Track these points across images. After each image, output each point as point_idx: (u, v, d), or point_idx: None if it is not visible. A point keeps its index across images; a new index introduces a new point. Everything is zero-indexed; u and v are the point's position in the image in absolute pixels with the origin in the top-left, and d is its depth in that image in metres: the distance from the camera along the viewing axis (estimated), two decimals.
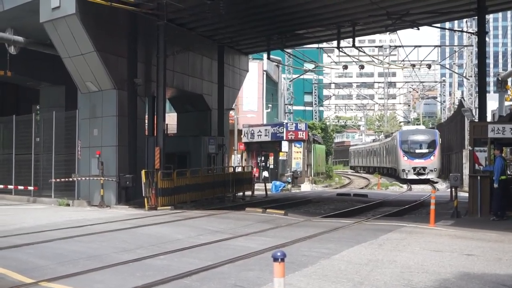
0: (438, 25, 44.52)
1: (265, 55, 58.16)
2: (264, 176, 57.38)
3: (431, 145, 68.30)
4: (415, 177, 66.80)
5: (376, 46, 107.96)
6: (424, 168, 67.12)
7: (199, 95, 41.94)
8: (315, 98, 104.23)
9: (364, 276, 12.41)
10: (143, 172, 29.98)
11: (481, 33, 32.43)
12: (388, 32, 44.19)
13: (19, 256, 15.11)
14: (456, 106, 70.14)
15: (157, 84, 32.53)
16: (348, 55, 49.79)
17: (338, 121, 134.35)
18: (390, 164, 79.60)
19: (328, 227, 21.35)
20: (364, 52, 48.96)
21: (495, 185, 24.41)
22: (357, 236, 18.78)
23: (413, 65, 62.09)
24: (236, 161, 62.25)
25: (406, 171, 67.60)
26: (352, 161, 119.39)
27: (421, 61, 63.75)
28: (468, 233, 20.06)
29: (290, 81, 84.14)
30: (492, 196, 24.89)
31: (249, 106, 70.01)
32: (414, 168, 67.30)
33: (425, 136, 69.83)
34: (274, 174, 59.84)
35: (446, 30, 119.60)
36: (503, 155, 26.26)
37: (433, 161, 67.55)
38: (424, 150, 67.94)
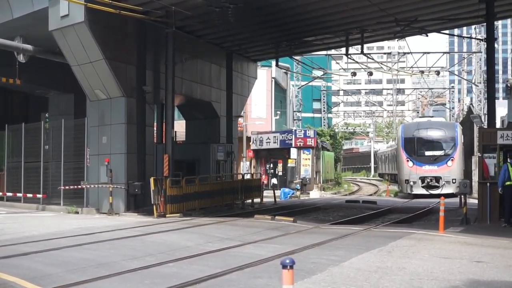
0: (447, 31, 44.47)
1: (273, 62, 58.21)
2: (272, 183, 57.37)
3: (449, 144, 49.40)
4: (424, 191, 48.25)
5: (384, 53, 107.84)
6: (437, 179, 48.12)
7: (208, 102, 41.94)
8: (323, 105, 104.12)
9: (374, 283, 12.38)
10: (152, 179, 29.97)
11: (490, 39, 32.35)
12: (396, 39, 44.18)
13: (28, 264, 15.13)
14: (465, 113, 69.95)
15: (165, 91, 32.53)
16: (357, 62, 49.71)
17: (347, 128, 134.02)
18: (393, 170, 65.42)
19: (337, 234, 21.32)
20: (373, 59, 48.97)
21: (499, 191, 24.54)
22: (366, 243, 18.74)
23: (422, 72, 62.08)
24: (245, 168, 62.24)
25: (411, 182, 48.49)
26: (381, 168, 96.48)
27: (430, 67, 63.60)
28: (477, 240, 20.01)
29: (298, 88, 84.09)
30: (503, 203, 24.89)
31: (257, 113, 69.99)
32: (423, 179, 48.35)
33: (440, 131, 50.44)
34: (283, 181, 59.76)
35: (455, 37, 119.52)
36: None
37: (451, 168, 48.37)
38: (438, 152, 48.85)
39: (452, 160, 48.34)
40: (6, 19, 34.40)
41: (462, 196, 27.63)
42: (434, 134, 50.17)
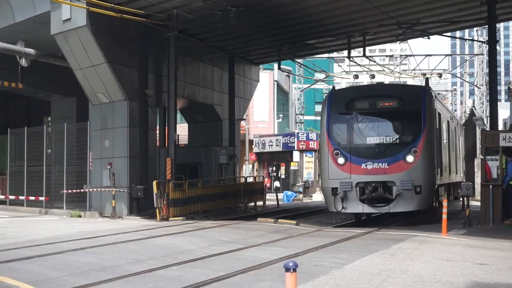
0: (449, 34, 44.43)
1: (275, 65, 58.17)
2: (275, 186, 57.39)
3: (409, 125, 28.43)
4: (364, 208, 27.44)
5: (386, 56, 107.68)
6: (387, 186, 26.89)
7: (210, 105, 41.97)
8: None
9: (377, 286, 12.37)
10: (154, 183, 29.99)
11: (492, 41, 32.34)
12: (398, 42, 44.14)
13: (31, 268, 15.12)
14: (468, 115, 69.86)
15: (168, 95, 32.55)
16: (359, 65, 49.63)
17: None
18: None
19: (340, 236, 21.32)
20: (375, 62, 48.92)
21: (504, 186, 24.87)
22: (369, 245, 18.74)
23: (424, 74, 61.96)
24: (248, 171, 62.25)
25: (341, 193, 26.95)
26: None
27: (432, 70, 63.48)
28: (480, 242, 20.01)
29: (301, 91, 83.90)
30: (507, 202, 25.16)
31: (260, 116, 70.03)
32: (363, 187, 27.08)
33: (394, 102, 28.79)
34: (286, 184, 59.82)
35: (457, 39, 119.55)
36: None
37: (413, 167, 27.03)
38: (389, 139, 27.79)
39: (414, 152, 26.89)
40: (8, 23, 34.44)
41: (465, 198, 27.70)
42: (382, 107, 28.45)
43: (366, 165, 26.99)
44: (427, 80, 31.31)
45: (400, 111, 28.27)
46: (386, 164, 26.88)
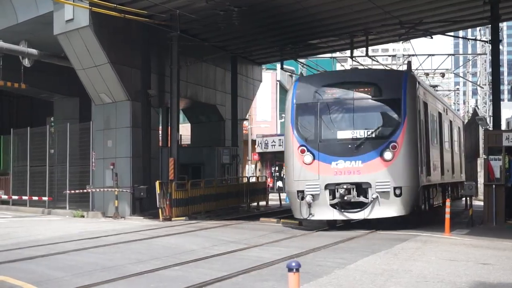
0: (452, 33, 44.36)
1: (278, 65, 58.14)
2: (278, 186, 57.31)
3: (388, 117, 24.85)
4: (334, 215, 23.80)
5: (389, 55, 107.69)
6: (361, 188, 23.47)
7: (213, 105, 41.96)
8: None
9: (380, 286, 12.36)
10: (157, 183, 30.00)
11: (495, 41, 32.30)
12: (401, 41, 44.08)
13: (34, 268, 15.13)
14: (470, 115, 69.77)
15: (170, 95, 32.56)
16: (362, 64, 49.64)
17: None
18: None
19: (343, 236, 21.31)
20: (378, 61, 48.89)
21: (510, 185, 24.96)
22: (372, 245, 18.73)
23: (427, 74, 61.95)
24: (250, 171, 62.23)
25: (308, 197, 23.44)
26: None
27: (435, 69, 63.50)
28: (483, 242, 20.00)
29: None
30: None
31: (262, 116, 69.97)
32: (333, 189, 23.54)
33: (369, 89, 25.03)
34: None
35: (460, 39, 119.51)
36: None
37: (392, 166, 23.45)
38: (364, 133, 24.12)
39: (393, 147, 23.48)
40: (11, 23, 34.49)
41: (468, 198, 27.69)
42: (356, 95, 24.64)
43: (336, 164, 23.47)
44: (409, 64, 27.54)
45: (376, 99, 24.58)
46: (360, 162, 23.38)
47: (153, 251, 18.09)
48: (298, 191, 23.76)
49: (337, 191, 23.18)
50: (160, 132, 37.52)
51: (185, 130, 45.11)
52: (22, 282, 13.03)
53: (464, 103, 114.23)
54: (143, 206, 31.84)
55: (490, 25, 35.59)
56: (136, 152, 32.07)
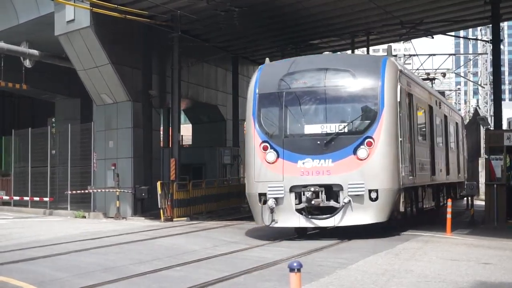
0: (452, 33, 44.41)
1: None
2: None
3: (362, 107, 21.44)
4: (300, 221, 20.40)
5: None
6: (332, 191, 20.18)
7: (214, 106, 41.98)
8: None
9: (381, 286, 12.35)
10: (158, 183, 30.00)
11: (496, 41, 32.33)
12: (402, 41, 44.07)
13: (36, 268, 15.14)
14: (472, 115, 69.73)
15: (171, 95, 32.59)
16: None
17: None
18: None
19: (344, 236, 21.28)
20: None
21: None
22: (373, 245, 18.70)
23: (428, 74, 61.96)
24: None
25: (271, 201, 20.22)
26: None
27: (436, 69, 63.51)
28: (485, 241, 20.00)
29: None
30: None
31: None
32: (299, 192, 20.26)
33: (342, 76, 21.58)
34: None
35: (461, 39, 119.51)
36: None
37: (367, 164, 20.21)
38: (335, 126, 20.75)
39: (369, 144, 20.37)
40: (12, 24, 34.53)
41: (469, 197, 27.66)
42: (328, 84, 21.51)
43: (303, 163, 20.20)
44: (389, 48, 23.51)
45: (350, 89, 21.30)
46: (330, 161, 20.10)
47: (154, 252, 18.09)
48: (259, 194, 20.62)
49: (304, 195, 20.00)
50: (161, 132, 37.55)
51: (186, 130, 45.16)
52: (24, 283, 13.03)
53: (465, 103, 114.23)
54: (145, 207, 31.87)
55: (491, 25, 35.59)
56: (137, 153, 32.09)
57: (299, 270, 7.96)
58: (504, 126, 44.99)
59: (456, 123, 36.44)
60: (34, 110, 50.11)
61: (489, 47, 61.75)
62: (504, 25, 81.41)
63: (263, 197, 20.40)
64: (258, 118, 21.26)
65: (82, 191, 33.58)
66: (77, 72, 32.64)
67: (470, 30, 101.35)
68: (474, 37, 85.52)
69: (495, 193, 25.56)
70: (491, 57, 38.72)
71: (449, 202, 23.41)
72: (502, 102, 33.92)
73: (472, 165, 50.81)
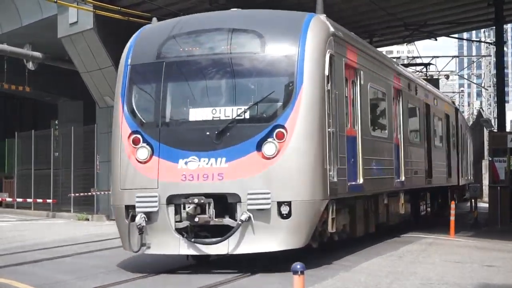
0: (456, 35, 44.45)
1: None
2: None
3: (270, 82, 14.54)
4: (181, 245, 13.58)
5: (393, 57, 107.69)
6: (223, 204, 13.68)
7: None
8: None
9: None
10: None
11: (499, 43, 32.31)
12: (405, 43, 44.04)
13: (39, 271, 15.14)
14: (475, 117, 69.74)
15: None
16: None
17: None
18: None
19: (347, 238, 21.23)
20: None
21: None
22: (376, 247, 18.67)
23: (431, 76, 61.96)
24: None
25: (139, 217, 13.62)
26: None
27: (439, 71, 63.49)
28: (488, 244, 19.96)
29: None
30: None
31: None
32: (178, 204, 13.69)
33: (243, 39, 14.83)
34: None
35: (464, 41, 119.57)
36: None
37: (276, 165, 13.52)
38: (232, 107, 14.21)
39: (279, 136, 13.72)
40: (15, 26, 34.53)
41: (473, 200, 27.64)
42: (223, 51, 14.82)
43: (186, 163, 13.85)
44: (319, 2, 17.32)
45: (255, 56, 14.61)
46: (224, 160, 13.77)
47: None
48: (126, 207, 14.27)
49: (186, 208, 13.59)
50: None
51: None
52: (27, 285, 13.02)
53: (469, 105, 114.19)
54: None
55: (494, 27, 35.56)
56: None
57: (302, 272, 7.91)
58: (508, 128, 45.01)
59: (447, 115, 31.01)
60: (37, 112, 50.15)
61: (492, 49, 61.72)
62: (508, 27, 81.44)
63: (131, 211, 14.08)
64: (129, 99, 15.12)
65: (85, 194, 33.56)
66: (80, 74, 32.62)
67: (474, 32, 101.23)
68: (478, 39, 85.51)
69: (498, 195, 25.52)
70: (495, 59, 38.68)
71: (452, 205, 23.34)
72: (506, 104, 33.87)
73: (475, 167, 50.80)
